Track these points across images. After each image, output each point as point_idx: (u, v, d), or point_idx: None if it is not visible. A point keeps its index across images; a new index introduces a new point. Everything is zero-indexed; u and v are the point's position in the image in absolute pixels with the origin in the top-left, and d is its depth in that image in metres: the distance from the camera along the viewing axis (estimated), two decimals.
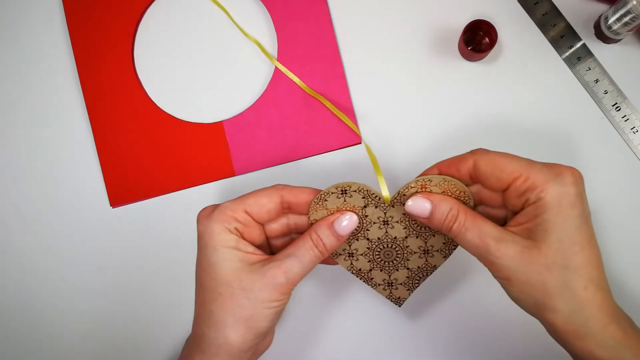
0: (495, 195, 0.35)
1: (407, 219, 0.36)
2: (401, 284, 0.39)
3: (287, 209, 0.37)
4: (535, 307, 0.32)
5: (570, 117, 0.46)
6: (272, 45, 0.48)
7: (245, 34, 0.48)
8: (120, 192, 0.48)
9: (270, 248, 0.39)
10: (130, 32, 0.49)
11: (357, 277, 0.39)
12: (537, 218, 0.32)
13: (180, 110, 0.48)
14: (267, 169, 0.47)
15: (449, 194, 0.35)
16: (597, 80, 0.46)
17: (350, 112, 0.47)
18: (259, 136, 0.47)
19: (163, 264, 0.48)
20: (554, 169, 0.32)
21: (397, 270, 0.39)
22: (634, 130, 0.45)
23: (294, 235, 0.39)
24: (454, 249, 0.37)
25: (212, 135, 0.48)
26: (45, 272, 0.48)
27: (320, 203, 0.36)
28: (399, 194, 0.36)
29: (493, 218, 0.35)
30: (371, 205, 0.36)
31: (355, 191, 0.36)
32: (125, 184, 0.48)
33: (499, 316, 0.45)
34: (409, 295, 0.40)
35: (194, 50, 0.49)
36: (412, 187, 0.35)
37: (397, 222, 0.36)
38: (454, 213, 0.34)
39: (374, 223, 0.37)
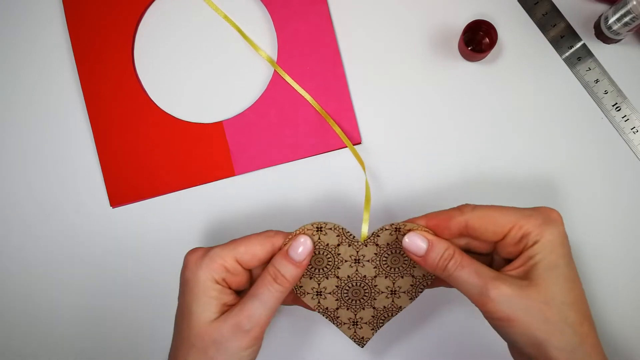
0: (484, 244, 0.36)
1: (378, 259, 0.36)
2: (366, 323, 0.39)
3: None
4: (536, 347, 0.32)
5: (570, 117, 0.46)
6: (272, 46, 0.48)
7: (247, 39, 0.48)
8: (120, 192, 0.48)
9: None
10: (130, 32, 0.49)
11: (322, 315, 0.39)
12: (531, 259, 0.33)
13: (180, 110, 0.48)
14: (267, 168, 0.47)
15: None
16: (597, 81, 0.46)
17: (350, 112, 0.47)
18: (259, 136, 0.47)
19: (163, 264, 0.48)
20: (541, 212, 0.34)
21: (364, 309, 0.39)
22: (634, 130, 0.45)
23: None
24: (421, 291, 0.38)
25: (212, 135, 0.48)
26: (45, 272, 0.48)
27: None
28: (373, 234, 0.36)
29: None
30: (344, 243, 0.36)
31: (330, 229, 0.35)
32: (125, 184, 0.48)
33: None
34: (372, 335, 0.40)
35: (194, 50, 0.49)
36: (386, 230, 0.35)
37: (369, 261, 0.36)
38: (450, 253, 0.34)
39: (346, 261, 0.37)
